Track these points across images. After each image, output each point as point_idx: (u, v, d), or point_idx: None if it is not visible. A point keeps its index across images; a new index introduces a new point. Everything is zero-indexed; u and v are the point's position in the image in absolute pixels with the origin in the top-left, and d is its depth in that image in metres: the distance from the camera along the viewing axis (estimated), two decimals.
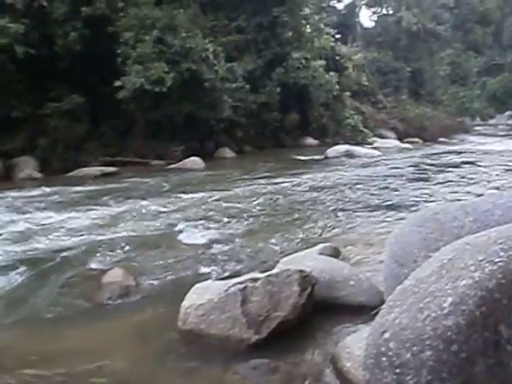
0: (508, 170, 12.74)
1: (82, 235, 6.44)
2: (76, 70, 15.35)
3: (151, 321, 3.90)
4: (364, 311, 3.55)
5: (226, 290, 3.48)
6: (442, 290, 1.92)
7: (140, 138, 16.06)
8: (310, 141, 22.86)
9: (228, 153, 18.15)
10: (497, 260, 1.93)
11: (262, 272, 3.78)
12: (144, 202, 8.82)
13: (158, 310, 4.06)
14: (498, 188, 9.48)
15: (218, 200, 9.03)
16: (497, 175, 11.93)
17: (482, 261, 1.95)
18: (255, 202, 8.85)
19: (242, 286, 3.47)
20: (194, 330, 3.43)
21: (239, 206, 8.52)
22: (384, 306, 2.08)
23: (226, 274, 4.67)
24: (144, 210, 8.17)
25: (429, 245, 2.93)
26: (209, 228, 6.81)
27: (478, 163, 14.79)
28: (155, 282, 4.70)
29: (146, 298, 4.35)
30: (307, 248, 5.07)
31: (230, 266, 5.10)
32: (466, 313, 1.81)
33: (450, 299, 1.86)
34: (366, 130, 24.71)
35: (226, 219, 7.32)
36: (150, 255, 5.56)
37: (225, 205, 8.54)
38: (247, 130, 19.54)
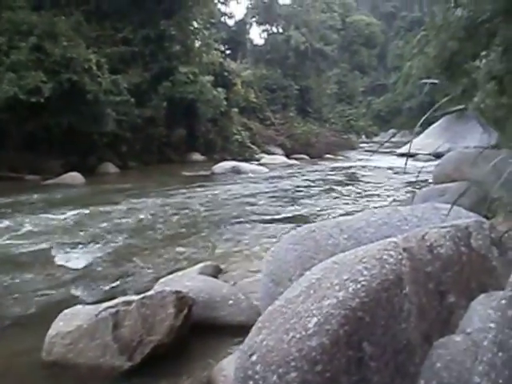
0: (388, 186, 13.73)
1: None
2: None
3: (12, 354, 3.58)
4: (244, 331, 3.54)
5: (97, 315, 3.35)
6: (307, 311, 1.97)
7: (13, 151, 15.45)
8: (197, 156, 23.22)
9: (111, 168, 17.99)
10: (360, 279, 2.01)
11: (138, 294, 3.69)
12: (13, 221, 8.50)
13: (22, 340, 3.83)
14: (377, 203, 10.37)
15: (95, 218, 8.92)
16: (377, 191, 12.90)
17: (346, 280, 2.02)
18: (136, 220, 8.84)
19: (114, 310, 3.35)
20: (60, 360, 3.26)
21: (118, 224, 8.45)
22: (254, 328, 2.11)
23: (99, 298, 4.50)
24: (14, 230, 7.87)
25: (304, 263, 2.97)
26: (84, 248, 6.70)
27: (361, 179, 15.92)
28: (20, 309, 4.46)
29: (9, 327, 4.13)
30: (188, 267, 5.10)
31: (104, 288, 5.00)
32: (329, 332, 1.86)
33: (314, 319, 1.91)
34: (253, 147, 25.56)
35: (103, 238, 7.26)
36: (18, 279, 5.34)
37: (103, 223, 8.43)
38: (132, 144, 19.44)
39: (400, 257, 2.16)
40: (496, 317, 1.58)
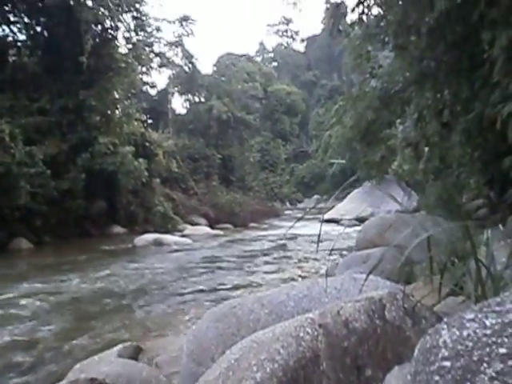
0: (312, 255, 13.95)
1: None
2: None
3: None
4: None
5: None
6: None
7: None
8: (118, 229, 22.95)
9: (25, 244, 17.41)
10: (277, 358, 2.04)
11: None
12: None
13: None
14: (301, 273, 10.68)
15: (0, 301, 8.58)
16: (300, 260, 13.14)
17: (264, 360, 2.04)
18: (48, 302, 8.57)
19: None
20: None
21: (26, 307, 8.15)
22: None
23: None
24: None
25: (226, 341, 2.97)
26: None
27: (285, 248, 16.30)
28: None
29: None
30: (106, 348, 4.99)
31: (13, 381, 4.80)
32: None
33: None
34: (176, 217, 25.64)
35: (9, 325, 6.97)
36: None
37: (8, 309, 8.10)
38: (47, 218, 18.93)
39: (316, 333, 2.20)
40: None
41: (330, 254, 11.61)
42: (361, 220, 26.20)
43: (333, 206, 26.89)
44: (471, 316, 1.26)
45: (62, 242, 18.85)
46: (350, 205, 27.02)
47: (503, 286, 2.26)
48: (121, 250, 17.00)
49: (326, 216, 24.97)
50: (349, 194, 28.49)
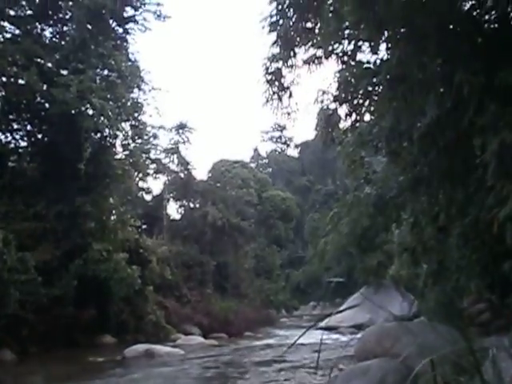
0: (308, 367, 13.57)
1: None
2: None
3: None
4: None
5: None
6: None
7: None
8: (108, 339, 22.31)
9: (8, 355, 16.87)
10: None
11: None
12: None
13: None
14: None
15: None
16: (296, 373, 12.88)
17: None
18: None
19: None
20: None
21: None
22: None
23: None
24: None
25: None
26: None
27: (281, 359, 15.86)
28: None
29: None
30: None
31: None
32: None
33: None
34: (168, 327, 25.07)
35: None
36: None
37: None
38: (35, 327, 18.40)
39: None
40: None
41: (331, 372, 11.29)
42: (359, 327, 25.77)
43: (330, 313, 26.46)
44: None
45: (47, 353, 18.16)
46: (347, 311, 26.56)
47: None
48: (109, 363, 16.59)
49: (323, 324, 24.52)
50: (346, 300, 28.16)
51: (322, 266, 45.88)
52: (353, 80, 9.01)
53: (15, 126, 24.29)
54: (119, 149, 26.42)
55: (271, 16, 9.20)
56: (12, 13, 23.36)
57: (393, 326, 7.55)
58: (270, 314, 42.16)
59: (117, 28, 25.90)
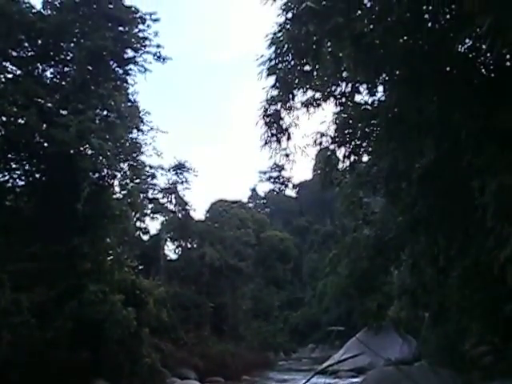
0: None
1: None
2: None
3: None
4: None
5: None
6: None
7: None
8: (102, 383, 21.76)
9: None
10: None
11: None
12: None
13: None
14: None
15: None
16: None
17: None
18: None
19: None
20: None
21: None
22: None
23: None
24: None
25: None
26: None
27: None
28: None
29: None
30: None
31: None
32: None
33: None
34: (164, 370, 24.66)
35: None
36: None
37: None
38: (26, 371, 17.93)
39: None
40: None
41: None
42: (359, 371, 25.31)
43: (329, 356, 26.13)
44: None
45: None
46: (347, 354, 26.15)
47: None
48: None
49: (322, 367, 24.09)
50: (345, 343, 27.81)
51: (321, 307, 45.37)
52: (351, 121, 9.14)
53: (13, 165, 24.35)
54: (117, 189, 26.50)
55: (270, 59, 9.36)
56: (14, 54, 23.73)
57: (393, 371, 7.44)
58: (267, 356, 41.65)
59: (117, 69, 26.29)
